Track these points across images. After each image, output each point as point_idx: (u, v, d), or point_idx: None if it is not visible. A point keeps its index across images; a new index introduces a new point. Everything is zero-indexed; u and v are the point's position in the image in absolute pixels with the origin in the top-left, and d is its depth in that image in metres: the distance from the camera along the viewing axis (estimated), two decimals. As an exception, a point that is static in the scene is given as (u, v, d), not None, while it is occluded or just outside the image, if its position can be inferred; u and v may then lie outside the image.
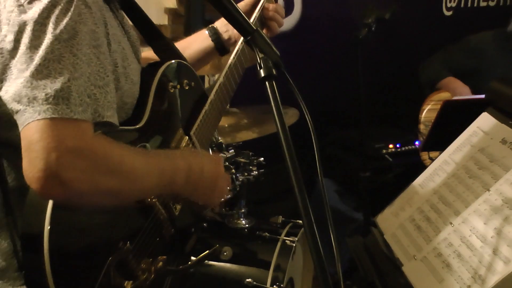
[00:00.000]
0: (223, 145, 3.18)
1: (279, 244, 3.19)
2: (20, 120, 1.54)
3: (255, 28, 1.77)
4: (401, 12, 4.85)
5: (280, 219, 3.45)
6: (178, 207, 1.93)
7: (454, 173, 2.23)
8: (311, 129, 1.72)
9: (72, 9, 1.57)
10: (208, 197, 1.93)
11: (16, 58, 1.56)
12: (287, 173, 1.57)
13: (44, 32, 1.55)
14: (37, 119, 1.51)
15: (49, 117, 1.51)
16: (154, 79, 1.86)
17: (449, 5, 5.37)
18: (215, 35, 2.33)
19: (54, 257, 1.55)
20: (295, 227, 3.32)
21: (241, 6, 2.31)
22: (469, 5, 5.44)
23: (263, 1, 2.31)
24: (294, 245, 3.19)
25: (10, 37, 1.58)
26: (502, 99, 2.26)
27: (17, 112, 1.54)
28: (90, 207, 1.63)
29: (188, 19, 4.67)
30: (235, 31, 2.30)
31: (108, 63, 1.65)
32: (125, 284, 1.73)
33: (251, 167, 3.50)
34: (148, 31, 2.09)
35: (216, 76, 2.11)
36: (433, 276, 2.00)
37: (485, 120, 2.30)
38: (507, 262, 1.85)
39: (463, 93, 4.43)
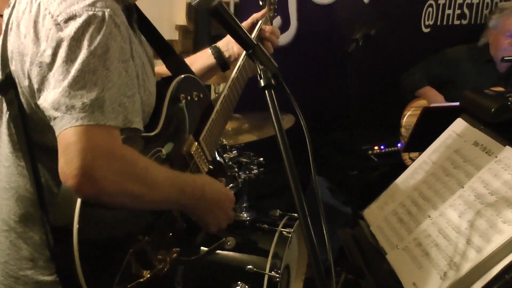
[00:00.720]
0: (227, 147, 3.20)
1: (276, 234, 3.20)
2: (58, 125, 1.55)
3: (256, 43, 1.79)
4: (385, 29, 4.86)
5: (278, 212, 3.47)
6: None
7: (432, 171, 2.24)
8: (305, 133, 1.73)
9: (104, 27, 1.58)
10: (212, 213, 1.94)
11: (53, 70, 1.57)
12: (284, 171, 1.58)
13: (79, 47, 1.56)
14: (74, 125, 1.53)
15: (85, 124, 1.53)
16: (168, 91, 1.87)
17: (427, 23, 5.37)
18: (218, 53, 2.32)
19: (82, 248, 1.56)
20: (291, 220, 3.34)
21: (246, 23, 2.37)
22: (444, 23, 5.45)
23: (260, 23, 2.33)
24: (290, 235, 3.20)
25: (49, 51, 1.58)
26: (474, 107, 2.27)
27: (54, 118, 1.56)
28: (114, 206, 1.64)
29: (196, 34, 4.67)
30: (235, 49, 2.33)
31: (135, 76, 1.67)
32: (144, 273, 1.74)
33: (252, 166, 3.51)
34: (161, 48, 2.09)
35: (221, 86, 2.12)
36: (414, 263, 2.01)
37: (459, 125, 2.31)
38: (478, 250, 1.86)
39: (438, 101, 4.44)
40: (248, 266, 3.09)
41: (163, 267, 1.80)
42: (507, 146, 2.08)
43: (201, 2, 1.75)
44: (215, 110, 2.06)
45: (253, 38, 2.19)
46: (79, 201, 1.57)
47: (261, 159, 3.58)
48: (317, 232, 1.59)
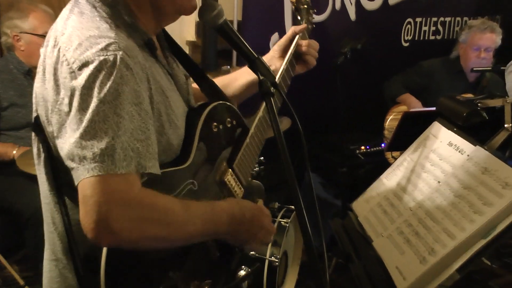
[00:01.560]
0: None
1: (275, 224, 3.19)
2: (75, 175, 1.47)
3: (256, 56, 1.76)
4: (369, 43, 4.87)
5: (276, 204, 3.45)
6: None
7: (412, 168, 2.24)
8: (300, 134, 1.73)
9: (115, 72, 1.47)
10: (250, 240, 1.85)
11: (69, 119, 1.48)
12: (282, 168, 1.56)
13: (90, 96, 1.45)
14: (87, 177, 1.43)
15: (96, 174, 1.42)
16: (199, 121, 1.76)
17: (406, 38, 5.39)
18: None
19: (109, 282, 1.49)
20: (288, 211, 3.32)
21: (280, 42, 2.25)
22: (421, 38, 5.47)
23: (298, 37, 2.21)
24: (288, 225, 3.19)
25: (66, 100, 1.49)
26: (448, 112, 2.28)
27: (72, 169, 1.47)
28: (141, 250, 1.55)
29: (204, 49, 4.68)
30: (277, 65, 2.19)
31: (149, 117, 1.54)
32: None
33: (252, 170, 3.52)
34: (195, 73, 2.00)
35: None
36: (397, 249, 2.01)
37: (435, 127, 2.32)
38: (453, 238, 1.87)
39: (416, 106, 4.47)
40: (251, 252, 3.09)
41: None
42: (477, 146, 2.08)
43: (209, 21, 1.74)
44: (249, 134, 1.96)
45: (291, 51, 2.16)
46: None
47: (262, 158, 3.58)
48: (311, 222, 1.58)
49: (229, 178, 1.88)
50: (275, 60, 2.23)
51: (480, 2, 5.75)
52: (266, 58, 2.15)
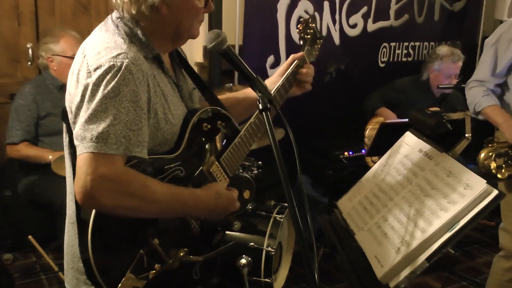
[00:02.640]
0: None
1: (271, 219, 3.19)
2: (77, 151, 1.60)
3: (255, 76, 1.81)
4: (351, 64, 4.88)
5: (272, 202, 3.46)
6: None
7: (388, 172, 2.24)
8: (292, 142, 1.74)
9: (119, 75, 1.59)
10: (217, 213, 1.89)
11: (81, 109, 1.61)
12: (277, 171, 1.59)
13: (97, 90, 1.58)
14: (83, 152, 1.57)
15: (90, 151, 1.56)
16: (192, 119, 1.84)
17: (382, 60, 5.39)
18: None
19: (94, 241, 1.60)
20: (282, 208, 3.33)
21: (280, 69, 2.25)
22: (395, 60, 5.48)
23: (296, 62, 2.23)
24: (282, 220, 3.20)
25: (80, 93, 1.63)
26: (419, 123, 2.28)
27: (77, 146, 1.60)
28: (118, 216, 1.64)
29: (210, 69, 4.67)
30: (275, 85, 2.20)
31: (143, 113, 1.66)
32: (156, 266, 1.72)
33: (252, 167, 3.51)
34: (200, 86, 2.06)
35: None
36: (375, 241, 2.01)
37: (408, 136, 2.31)
38: (423, 231, 1.86)
39: (392, 118, 4.48)
40: (250, 243, 3.08)
41: (173, 262, 1.77)
42: (443, 153, 2.08)
43: (215, 46, 1.81)
44: (239, 135, 2.00)
45: (287, 74, 2.18)
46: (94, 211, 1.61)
47: (260, 162, 3.58)
48: (302, 217, 1.59)
49: (215, 169, 1.94)
50: (276, 85, 2.22)
51: (444, 30, 5.75)
52: (268, 82, 2.21)
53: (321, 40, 2.42)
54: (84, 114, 1.59)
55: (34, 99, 3.79)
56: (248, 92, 2.20)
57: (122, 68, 1.60)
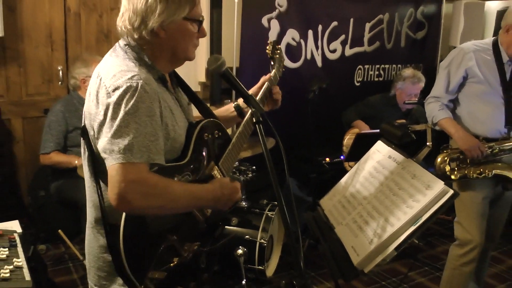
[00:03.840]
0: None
1: (264, 215, 3.20)
2: (106, 163, 1.57)
3: (249, 94, 1.83)
4: (332, 83, 4.88)
5: (265, 201, 3.46)
6: (209, 211, 1.88)
7: (363, 175, 2.23)
8: (281, 150, 1.76)
9: (136, 94, 1.57)
10: (225, 203, 1.85)
11: (104, 125, 1.59)
12: (268, 175, 1.59)
13: (119, 109, 1.56)
14: (113, 164, 1.55)
15: (119, 162, 1.54)
16: (195, 131, 1.82)
17: (358, 80, 5.41)
18: (238, 109, 2.15)
19: (125, 241, 1.57)
20: (273, 206, 3.33)
21: (253, 88, 2.21)
22: (369, 80, 5.49)
23: (267, 84, 2.19)
24: (273, 216, 3.20)
25: (102, 112, 1.60)
26: (388, 133, 2.28)
27: (105, 158, 1.58)
28: (148, 215, 1.64)
29: (212, 88, 4.69)
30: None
31: (158, 126, 1.64)
32: (174, 260, 1.71)
33: (248, 171, 3.51)
34: (194, 100, 2.04)
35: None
36: (352, 234, 2.00)
37: (379, 145, 2.31)
38: (392, 225, 1.86)
39: (366, 129, 4.48)
40: (246, 236, 3.08)
41: (188, 255, 1.76)
42: (408, 159, 2.09)
43: (215, 69, 1.82)
44: (231, 143, 1.99)
45: (260, 94, 2.14)
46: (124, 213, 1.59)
47: (254, 167, 3.58)
48: (290, 214, 1.60)
49: (215, 172, 1.92)
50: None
51: (409, 54, 5.76)
52: (241, 101, 2.16)
53: (284, 59, 2.39)
54: (108, 130, 1.57)
55: (63, 116, 3.80)
56: (228, 107, 2.20)
57: (138, 88, 1.58)
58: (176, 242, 1.71)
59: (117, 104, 1.57)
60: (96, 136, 1.63)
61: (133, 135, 1.55)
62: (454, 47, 5.67)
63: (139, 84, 1.59)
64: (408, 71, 4.73)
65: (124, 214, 1.58)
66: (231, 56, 4.37)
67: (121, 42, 1.76)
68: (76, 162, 3.64)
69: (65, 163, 3.73)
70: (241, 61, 4.41)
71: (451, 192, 1.81)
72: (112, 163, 1.55)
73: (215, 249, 1.93)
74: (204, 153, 1.87)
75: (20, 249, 2.32)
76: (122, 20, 1.72)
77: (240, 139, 2.04)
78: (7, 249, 2.26)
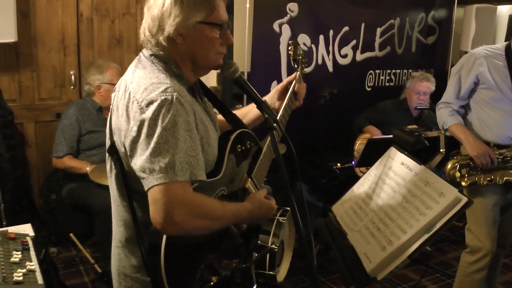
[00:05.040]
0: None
1: (275, 221, 3.17)
2: (145, 183, 1.48)
3: (262, 100, 1.79)
4: (343, 89, 4.88)
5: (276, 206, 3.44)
6: (245, 226, 1.84)
7: (375, 181, 2.22)
8: (293, 155, 1.76)
9: (172, 107, 1.49)
10: (262, 219, 1.88)
11: (139, 142, 1.50)
12: (280, 179, 1.59)
13: (155, 125, 1.47)
14: (156, 184, 1.46)
15: (163, 182, 1.45)
16: (228, 143, 1.75)
17: (369, 85, 5.38)
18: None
19: (166, 262, 1.51)
20: (284, 211, 3.30)
21: (279, 86, 2.19)
22: (380, 85, 5.47)
23: (294, 82, 2.16)
24: (284, 222, 3.18)
25: (135, 128, 1.50)
26: (400, 140, 2.28)
27: (143, 178, 1.49)
28: (192, 236, 1.57)
29: (223, 93, 4.69)
30: (276, 105, 2.15)
31: (197, 139, 1.57)
32: (213, 278, 1.65)
33: (264, 178, 3.51)
34: (222, 109, 1.96)
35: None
36: (364, 240, 2.00)
37: (392, 151, 2.30)
38: (405, 232, 1.86)
39: (377, 135, 4.46)
40: (258, 242, 3.07)
41: (226, 273, 1.69)
42: (422, 165, 2.07)
43: (228, 75, 1.78)
44: (262, 153, 1.93)
45: (289, 93, 2.11)
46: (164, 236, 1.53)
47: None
48: (302, 219, 1.62)
49: (249, 185, 1.86)
50: (275, 99, 2.17)
51: (420, 59, 5.74)
52: (267, 97, 2.15)
53: (306, 60, 2.35)
54: (145, 148, 1.48)
55: (77, 119, 3.82)
56: (251, 107, 2.13)
57: (174, 101, 1.50)
58: (214, 260, 1.67)
59: (153, 119, 1.48)
60: (129, 154, 1.55)
61: (174, 151, 1.47)
62: (465, 52, 5.65)
63: (174, 97, 1.51)
64: (416, 73, 4.76)
65: (164, 238, 1.51)
66: (242, 61, 4.38)
67: (145, 52, 1.69)
68: (88, 168, 3.67)
69: (77, 168, 3.75)
70: (253, 66, 4.41)
71: (464, 200, 1.80)
72: (154, 183, 1.46)
73: (251, 264, 1.90)
74: (238, 166, 1.82)
75: (32, 253, 2.33)
76: (143, 29, 1.66)
77: (270, 148, 1.99)
78: (20, 252, 2.26)
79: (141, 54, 1.70)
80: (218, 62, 1.73)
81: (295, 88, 2.16)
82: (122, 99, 1.59)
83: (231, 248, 1.78)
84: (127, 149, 1.55)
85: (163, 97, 1.50)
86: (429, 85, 4.60)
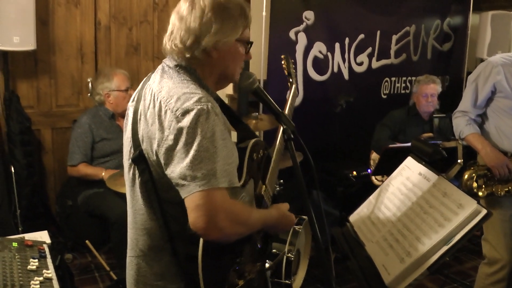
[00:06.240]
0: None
1: (291, 229, 3.16)
2: (185, 190, 1.49)
3: (281, 111, 1.80)
4: (358, 96, 4.86)
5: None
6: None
7: (393, 191, 2.21)
8: (310, 163, 1.77)
9: (210, 117, 1.50)
10: (282, 230, 1.95)
11: (175, 150, 1.51)
12: (296, 187, 1.65)
13: (195, 133, 1.48)
14: (198, 191, 1.47)
15: (205, 188, 1.46)
16: (247, 152, 1.78)
17: (384, 92, 5.38)
18: None
19: (204, 268, 1.56)
20: (300, 220, 3.29)
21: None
22: (395, 92, 5.46)
23: (292, 100, 2.23)
24: (300, 230, 3.17)
25: (171, 137, 1.51)
26: (418, 150, 2.25)
27: (182, 185, 1.50)
28: (228, 241, 1.59)
29: (239, 100, 4.70)
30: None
31: (232, 147, 1.59)
32: (239, 282, 1.68)
33: (275, 185, 3.49)
34: (234, 119, 1.95)
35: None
36: (382, 252, 1.98)
37: (409, 161, 2.28)
38: (423, 244, 1.84)
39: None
40: (273, 250, 3.05)
41: (252, 276, 1.73)
42: (440, 176, 2.05)
43: (247, 86, 1.80)
44: (272, 160, 1.96)
45: (287, 110, 2.17)
46: (202, 240, 1.55)
47: (281, 180, 3.56)
48: (319, 227, 1.66)
49: (264, 192, 1.90)
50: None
51: (435, 66, 5.71)
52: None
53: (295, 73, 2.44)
54: (184, 156, 1.49)
55: (89, 127, 3.85)
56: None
57: (210, 111, 1.52)
58: (241, 265, 1.70)
59: (192, 128, 1.49)
60: (164, 162, 1.55)
61: (214, 159, 1.49)
62: (481, 59, 5.62)
63: (209, 107, 1.52)
64: (421, 77, 4.71)
65: (201, 242, 1.54)
66: (258, 69, 4.38)
67: (169, 62, 1.69)
68: (103, 174, 3.69)
69: (92, 175, 3.78)
70: (269, 73, 4.43)
71: (484, 211, 1.78)
72: (196, 190, 1.47)
73: (272, 267, 1.95)
74: (255, 173, 1.84)
75: (49, 260, 2.33)
76: (172, 39, 1.65)
77: (278, 156, 2.03)
78: (37, 260, 2.27)
79: (164, 64, 1.71)
80: (238, 76, 1.78)
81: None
82: (151, 108, 1.59)
83: (252, 253, 1.81)
84: (162, 157, 1.55)
85: (199, 107, 1.51)
86: (436, 87, 4.57)
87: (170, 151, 1.52)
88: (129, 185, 1.73)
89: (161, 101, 1.56)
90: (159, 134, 1.55)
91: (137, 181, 1.68)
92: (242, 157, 1.75)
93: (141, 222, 1.71)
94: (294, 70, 2.39)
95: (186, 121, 1.49)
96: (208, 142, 1.49)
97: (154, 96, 1.60)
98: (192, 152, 1.48)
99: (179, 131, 1.50)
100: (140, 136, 1.64)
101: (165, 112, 1.54)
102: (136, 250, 1.74)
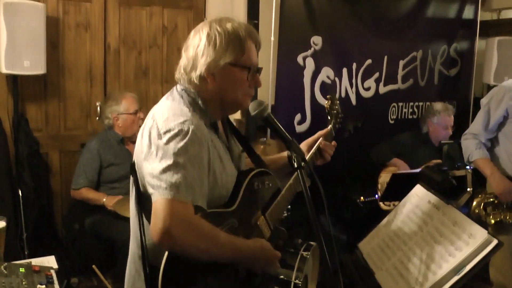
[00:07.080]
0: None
1: (299, 256, 3.14)
2: (153, 198, 1.59)
3: (291, 138, 1.81)
4: (366, 121, 4.86)
5: (299, 241, 3.41)
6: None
7: (402, 219, 2.20)
8: (320, 188, 1.82)
9: (186, 137, 1.61)
10: (262, 266, 1.86)
11: (153, 163, 1.61)
12: (301, 211, 1.69)
13: (169, 149, 1.60)
14: (159, 198, 1.56)
15: (166, 197, 1.55)
16: (246, 179, 1.82)
17: (392, 117, 5.37)
18: (290, 157, 2.00)
19: (164, 280, 1.55)
20: (308, 245, 3.27)
21: (308, 140, 2.26)
22: (403, 117, 5.45)
23: (321, 138, 2.23)
24: (308, 256, 3.15)
25: (154, 152, 1.62)
26: (427, 178, 2.25)
27: (151, 193, 1.60)
28: (188, 256, 1.59)
29: (247, 125, 4.71)
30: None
31: (205, 170, 1.66)
32: None
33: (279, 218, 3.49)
34: (247, 149, 2.03)
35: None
36: (392, 280, 1.97)
37: (418, 189, 2.28)
38: (434, 273, 1.83)
39: (404, 168, 4.37)
40: (281, 276, 3.03)
41: None
42: (449, 205, 2.04)
43: (258, 113, 1.82)
44: (281, 194, 1.98)
45: (314, 148, 2.19)
46: (166, 252, 1.57)
47: (289, 206, 3.56)
48: (329, 253, 1.67)
49: (261, 222, 1.89)
50: (304, 150, 2.17)
51: (442, 91, 5.71)
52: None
53: (341, 115, 2.41)
54: (157, 167, 1.59)
55: (98, 152, 3.85)
56: (281, 156, 2.19)
57: (190, 132, 1.62)
58: None
59: (167, 144, 1.60)
60: (144, 174, 1.66)
61: (181, 174, 1.57)
62: (488, 84, 5.63)
63: (190, 129, 1.62)
64: (438, 105, 4.68)
65: (165, 255, 1.56)
66: (266, 94, 4.40)
67: (178, 86, 1.81)
68: (104, 200, 3.70)
69: (94, 200, 3.78)
70: (277, 98, 4.44)
71: (495, 242, 1.77)
72: (158, 197, 1.56)
73: None
74: (252, 202, 1.85)
75: (56, 286, 2.32)
76: (179, 67, 1.79)
77: (290, 191, 2.03)
78: (44, 286, 2.26)
79: (174, 88, 1.82)
80: (246, 103, 1.83)
81: (320, 145, 2.23)
82: (148, 125, 1.71)
83: (233, 279, 1.78)
84: (146, 169, 1.65)
85: (180, 128, 1.62)
86: (453, 117, 4.58)
87: (150, 164, 1.63)
88: (130, 196, 1.83)
89: (155, 120, 1.68)
90: (146, 149, 1.66)
91: (133, 191, 1.79)
92: (241, 183, 1.80)
93: (133, 231, 1.82)
94: (336, 112, 2.36)
95: (165, 138, 1.61)
96: (179, 158, 1.58)
97: (153, 115, 1.73)
98: (163, 165, 1.58)
99: (158, 146, 1.62)
100: (135, 149, 1.77)
101: (153, 128, 1.66)
102: (132, 256, 1.84)
